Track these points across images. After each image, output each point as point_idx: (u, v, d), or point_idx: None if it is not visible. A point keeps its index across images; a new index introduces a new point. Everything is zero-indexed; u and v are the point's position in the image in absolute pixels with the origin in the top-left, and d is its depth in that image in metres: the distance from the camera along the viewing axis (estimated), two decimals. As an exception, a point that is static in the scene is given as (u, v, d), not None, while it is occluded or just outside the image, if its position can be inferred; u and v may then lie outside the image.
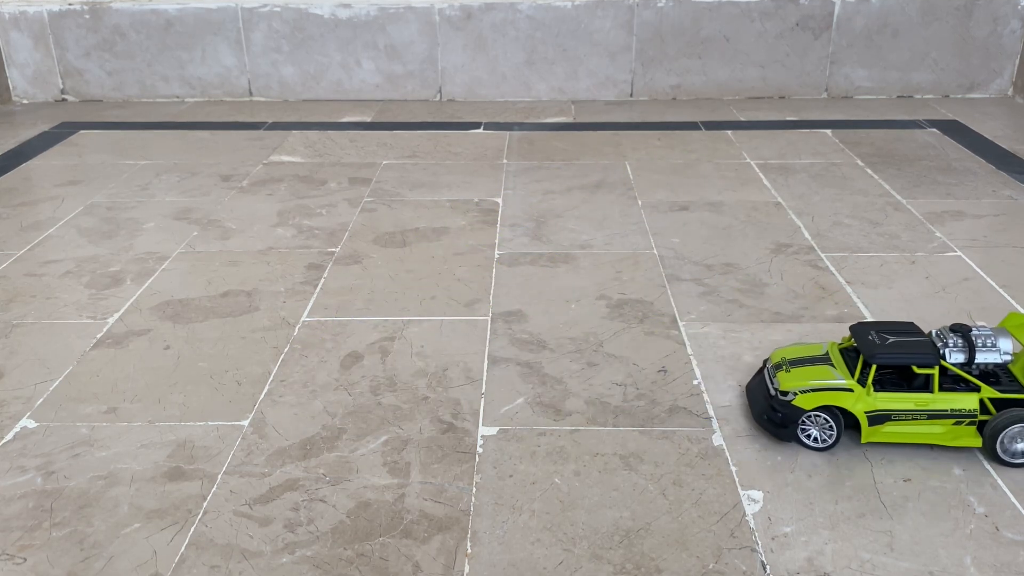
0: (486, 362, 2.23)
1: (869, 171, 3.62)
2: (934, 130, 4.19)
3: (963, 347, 1.85)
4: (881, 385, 1.86)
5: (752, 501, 1.73)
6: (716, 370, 2.18)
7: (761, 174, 3.60)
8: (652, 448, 1.89)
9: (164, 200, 3.41)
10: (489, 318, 2.46)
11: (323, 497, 1.75)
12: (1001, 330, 1.89)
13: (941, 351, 1.85)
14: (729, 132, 4.19)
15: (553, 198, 3.37)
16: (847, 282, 2.64)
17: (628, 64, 4.77)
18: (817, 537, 1.63)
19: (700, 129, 4.26)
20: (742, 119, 4.42)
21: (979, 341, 1.84)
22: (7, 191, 3.54)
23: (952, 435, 1.83)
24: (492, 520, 1.69)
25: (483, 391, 2.11)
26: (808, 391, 1.85)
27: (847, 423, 1.87)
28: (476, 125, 4.38)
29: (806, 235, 2.99)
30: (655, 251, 2.88)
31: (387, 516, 1.70)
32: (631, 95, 4.85)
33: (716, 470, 1.82)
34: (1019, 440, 1.79)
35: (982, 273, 2.69)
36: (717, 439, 1.92)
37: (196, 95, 4.94)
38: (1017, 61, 4.71)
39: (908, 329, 1.91)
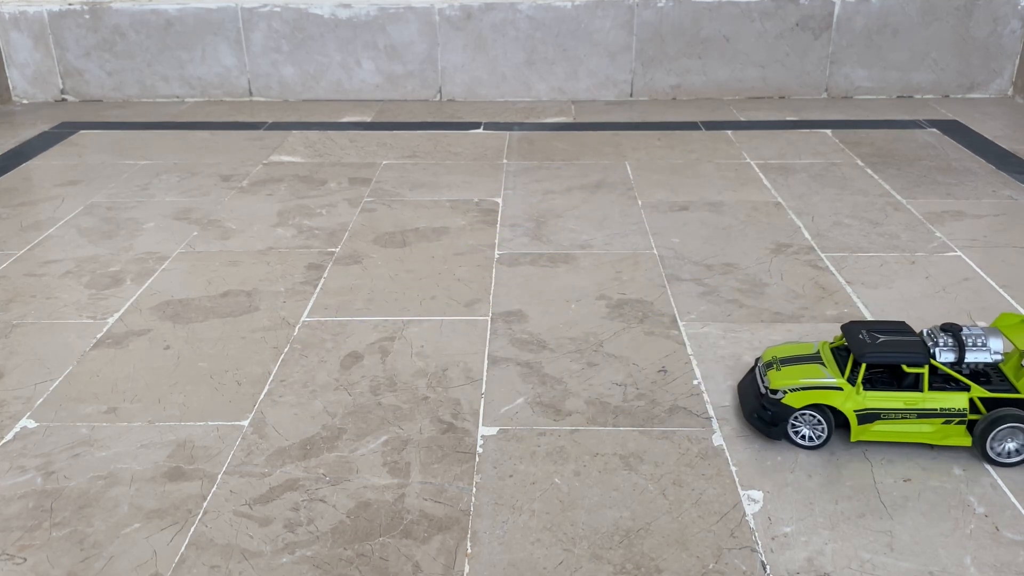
0: (486, 362, 2.23)
1: (869, 171, 3.62)
2: (934, 130, 4.20)
3: (953, 347, 1.85)
4: (872, 384, 1.87)
5: (752, 501, 1.73)
6: (716, 370, 2.18)
7: (761, 174, 3.60)
8: (652, 448, 1.89)
9: (164, 200, 3.41)
10: (489, 318, 2.46)
11: (323, 497, 1.75)
12: (992, 330, 1.89)
13: (931, 350, 1.85)
14: (729, 132, 4.19)
15: (553, 198, 3.37)
16: (847, 282, 2.64)
17: (628, 64, 4.77)
18: (817, 537, 1.63)
19: (700, 129, 4.26)
20: (742, 119, 4.42)
21: (969, 341, 1.85)
22: (7, 191, 3.54)
23: (942, 434, 1.84)
24: (492, 520, 1.69)
25: (483, 391, 2.11)
26: (798, 389, 1.85)
27: (837, 422, 1.87)
28: (476, 125, 4.38)
29: (806, 235, 2.99)
30: (655, 251, 2.88)
31: (387, 516, 1.70)
32: (631, 95, 4.85)
33: (716, 470, 1.82)
34: (1009, 439, 1.80)
35: (982, 273, 2.69)
36: (717, 439, 1.92)
37: (196, 95, 4.94)
38: (1017, 61, 4.71)
39: (899, 328, 1.92)
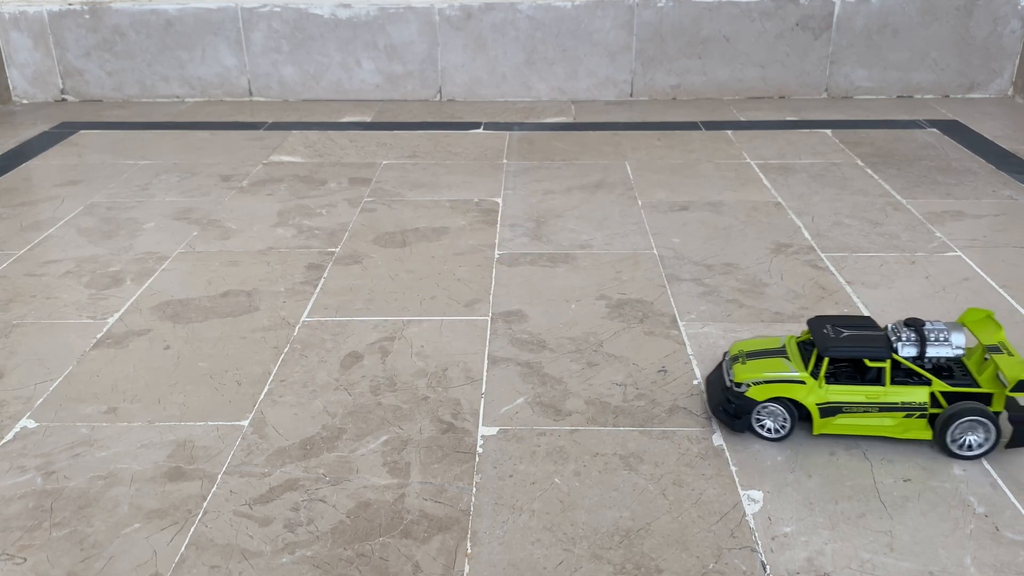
0: (486, 362, 2.23)
1: (869, 171, 3.62)
2: (934, 130, 4.20)
3: (915, 341, 1.87)
4: (836, 378, 1.89)
5: (752, 501, 1.73)
6: (716, 370, 2.18)
7: (761, 174, 3.60)
8: (652, 448, 1.89)
9: (164, 200, 3.41)
10: (489, 318, 2.46)
11: (323, 497, 1.75)
12: (955, 324, 1.91)
13: (893, 345, 1.87)
14: (729, 132, 4.19)
15: (553, 198, 3.37)
16: (847, 282, 2.64)
17: (628, 64, 4.77)
18: (817, 537, 1.63)
19: (700, 129, 4.26)
20: (742, 119, 4.42)
21: (931, 335, 1.87)
22: (7, 191, 3.54)
23: (903, 427, 1.86)
24: (492, 520, 1.69)
25: (483, 391, 2.11)
26: (761, 383, 1.88)
27: (801, 415, 1.89)
28: (476, 125, 4.39)
29: (806, 235, 2.99)
30: (655, 251, 2.88)
31: (387, 516, 1.70)
32: (631, 95, 4.85)
33: (716, 470, 1.82)
34: (969, 433, 1.81)
35: (982, 273, 2.69)
36: (717, 439, 1.92)
37: (196, 95, 4.94)
38: (1017, 61, 4.71)
39: (864, 323, 1.94)
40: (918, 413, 1.85)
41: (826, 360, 1.86)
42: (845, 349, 1.85)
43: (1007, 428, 1.83)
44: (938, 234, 2.98)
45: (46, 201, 3.42)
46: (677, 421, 1.98)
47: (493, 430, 1.96)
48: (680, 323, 2.41)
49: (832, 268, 2.74)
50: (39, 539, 1.65)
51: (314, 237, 3.03)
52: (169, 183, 3.60)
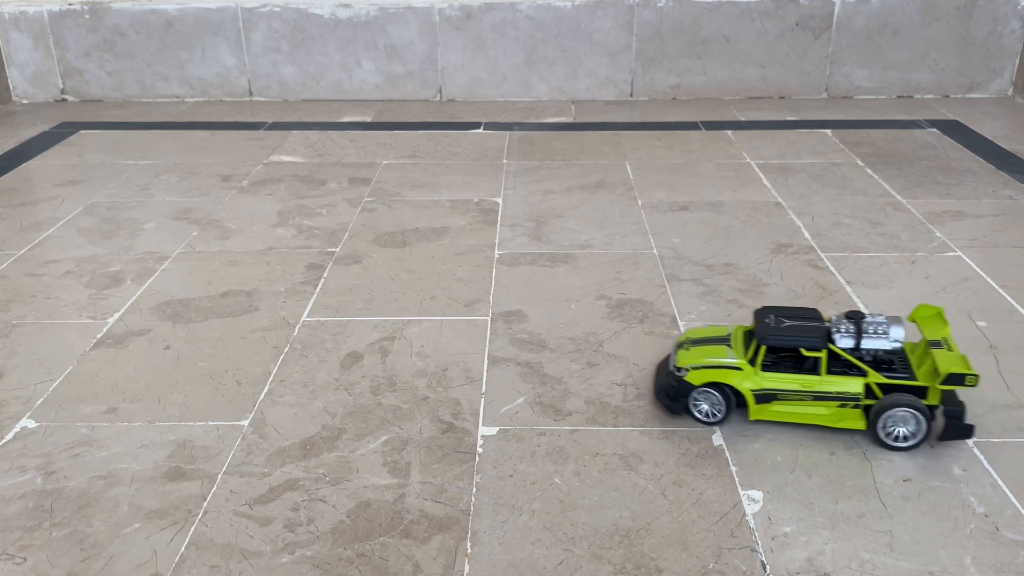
0: (486, 362, 2.23)
1: (869, 171, 3.62)
2: (934, 130, 4.20)
3: (853, 333, 1.91)
4: (776, 367, 1.93)
5: (752, 501, 1.73)
6: (716, 370, 2.18)
7: (761, 174, 3.60)
8: (652, 448, 1.89)
9: (164, 200, 3.41)
10: (489, 318, 2.46)
11: (323, 497, 1.75)
12: (896, 319, 1.95)
13: (832, 336, 1.90)
14: (729, 132, 4.20)
15: (553, 198, 3.37)
16: (847, 282, 2.65)
17: (628, 64, 4.77)
18: (817, 537, 1.63)
19: (700, 129, 4.26)
20: (742, 119, 4.42)
21: (869, 328, 1.91)
22: (7, 191, 3.54)
23: (838, 417, 1.90)
24: (492, 520, 1.69)
25: (483, 391, 2.11)
26: (699, 368, 1.94)
27: (739, 402, 1.93)
28: (476, 125, 4.39)
29: (806, 235, 2.99)
30: (655, 251, 2.88)
31: (387, 516, 1.70)
32: (631, 95, 4.85)
33: (716, 470, 1.82)
34: (901, 425, 1.84)
35: (982, 273, 2.69)
36: (717, 439, 1.92)
37: (196, 95, 4.94)
38: (1017, 61, 4.71)
39: (808, 315, 1.98)
40: (852, 403, 1.89)
41: (763, 348, 1.92)
42: (781, 338, 1.90)
43: (943, 421, 1.86)
44: (938, 234, 2.98)
45: (46, 201, 3.42)
46: (677, 421, 1.98)
47: (493, 430, 1.96)
48: (680, 323, 2.41)
49: (832, 268, 2.74)
50: (39, 539, 1.65)
51: (314, 237, 3.03)
52: (169, 183, 3.60)
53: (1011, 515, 1.69)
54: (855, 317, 1.93)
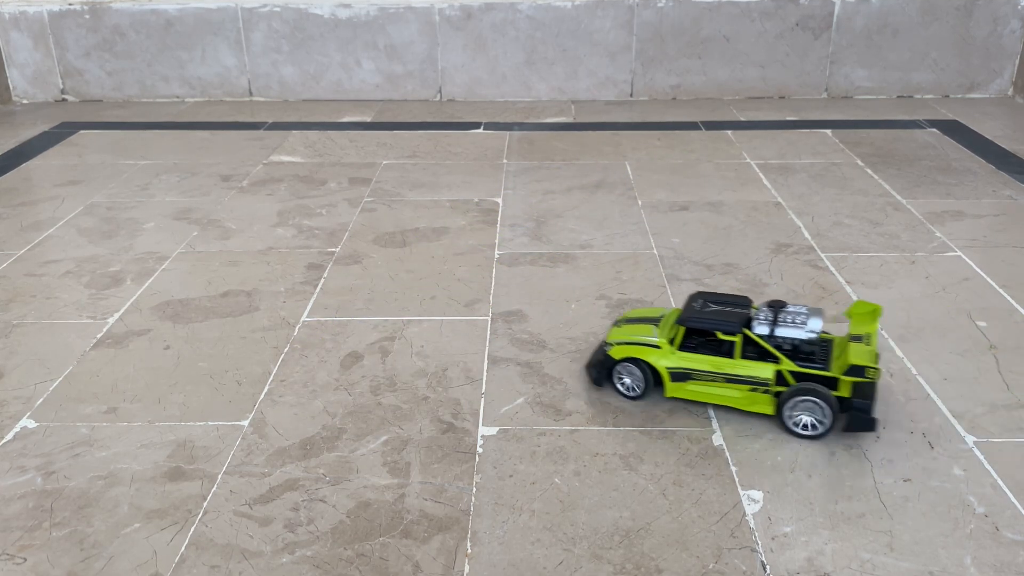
0: (486, 362, 2.23)
1: (869, 171, 3.62)
2: (934, 130, 4.20)
3: (769, 321, 1.97)
4: (697, 349, 2.00)
5: (752, 501, 1.73)
6: (716, 370, 2.18)
7: (761, 174, 3.60)
8: (652, 448, 1.89)
9: (164, 200, 3.41)
10: (489, 318, 2.46)
11: (323, 497, 1.75)
12: (817, 310, 2.01)
13: (749, 323, 1.97)
14: (729, 132, 4.20)
15: (553, 198, 3.37)
16: (847, 282, 2.65)
17: (628, 64, 4.77)
18: (817, 537, 1.63)
19: (700, 129, 4.26)
20: (742, 119, 4.42)
21: (786, 318, 1.97)
22: (7, 191, 3.54)
23: (749, 400, 1.97)
24: (492, 520, 1.69)
25: (483, 391, 2.11)
26: (623, 344, 2.04)
27: (657, 379, 2.02)
28: (476, 125, 4.39)
29: (806, 235, 2.99)
30: (655, 251, 2.88)
31: (387, 516, 1.70)
32: (631, 95, 4.85)
33: (716, 470, 1.82)
34: (806, 413, 1.89)
35: (982, 273, 2.69)
36: (717, 439, 1.92)
37: (196, 95, 4.94)
38: (1017, 61, 4.71)
39: (736, 302, 2.06)
40: (763, 388, 1.95)
41: (682, 329, 2.01)
42: (699, 321, 1.99)
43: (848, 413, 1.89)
44: (938, 234, 2.98)
45: (46, 201, 3.42)
46: (677, 421, 1.98)
47: (493, 430, 1.96)
48: (680, 323, 2.41)
49: (832, 268, 2.74)
50: (39, 539, 1.65)
51: (314, 237, 3.03)
52: (169, 183, 3.60)
53: (1011, 515, 1.69)
54: (776, 306, 2.00)
